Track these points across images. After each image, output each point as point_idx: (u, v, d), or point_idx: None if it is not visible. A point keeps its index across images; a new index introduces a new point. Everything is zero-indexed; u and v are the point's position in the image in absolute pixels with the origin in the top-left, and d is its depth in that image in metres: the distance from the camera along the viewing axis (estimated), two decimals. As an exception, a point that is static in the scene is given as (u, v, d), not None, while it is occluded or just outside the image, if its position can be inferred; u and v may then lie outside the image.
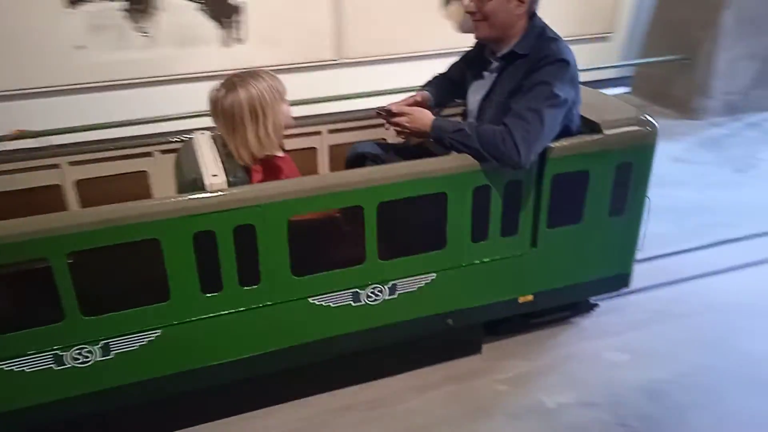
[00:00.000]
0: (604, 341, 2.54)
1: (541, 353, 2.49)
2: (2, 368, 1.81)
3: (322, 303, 2.09)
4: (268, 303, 2.02)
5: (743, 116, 4.96)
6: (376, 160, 2.35)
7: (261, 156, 2.03)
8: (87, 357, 1.89)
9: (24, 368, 1.83)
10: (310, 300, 2.07)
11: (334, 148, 2.62)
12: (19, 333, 1.80)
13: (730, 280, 2.93)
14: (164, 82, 3.90)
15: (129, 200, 1.82)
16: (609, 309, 2.71)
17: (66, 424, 2.02)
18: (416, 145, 2.45)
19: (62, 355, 1.86)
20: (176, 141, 2.36)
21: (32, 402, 1.90)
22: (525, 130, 2.03)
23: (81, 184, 2.32)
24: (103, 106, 3.91)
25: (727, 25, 4.66)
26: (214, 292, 1.94)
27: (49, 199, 2.24)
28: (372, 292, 2.14)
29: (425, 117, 2.17)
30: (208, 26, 3.77)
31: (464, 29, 3.84)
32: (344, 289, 2.09)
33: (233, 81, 1.99)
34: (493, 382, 2.35)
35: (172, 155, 2.36)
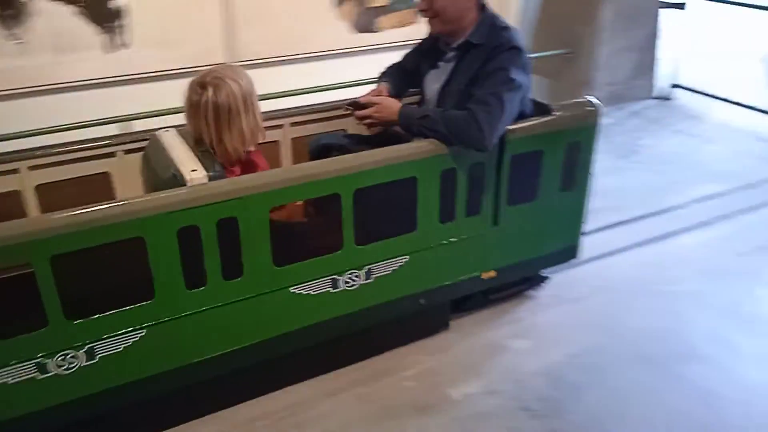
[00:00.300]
0: (505, 329, 2.63)
1: (445, 347, 2.53)
2: None
3: (303, 292, 2.13)
4: (252, 295, 2.04)
5: (625, 105, 5.24)
6: (342, 150, 2.40)
7: (252, 148, 2.05)
8: (72, 363, 1.85)
9: (7, 380, 1.78)
10: (291, 290, 2.11)
11: (296, 141, 2.65)
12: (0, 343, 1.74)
13: (618, 261, 3.09)
14: (43, 92, 3.61)
15: (92, 203, 1.77)
16: (506, 298, 2.79)
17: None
18: (378, 134, 2.52)
19: (46, 363, 1.81)
20: (138, 140, 2.33)
21: (14, 414, 1.84)
22: (488, 114, 2.15)
23: (40, 189, 2.24)
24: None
25: (607, 20, 4.88)
26: (198, 288, 1.95)
27: (6, 206, 2.16)
28: (350, 278, 2.20)
29: (393, 106, 2.26)
30: (88, 31, 3.40)
31: (359, 28, 3.93)
32: (324, 276, 2.15)
33: (215, 78, 1.99)
34: (400, 379, 2.38)
35: (136, 155, 2.33)
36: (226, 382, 2.18)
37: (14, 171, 2.17)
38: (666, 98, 5.41)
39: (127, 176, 2.33)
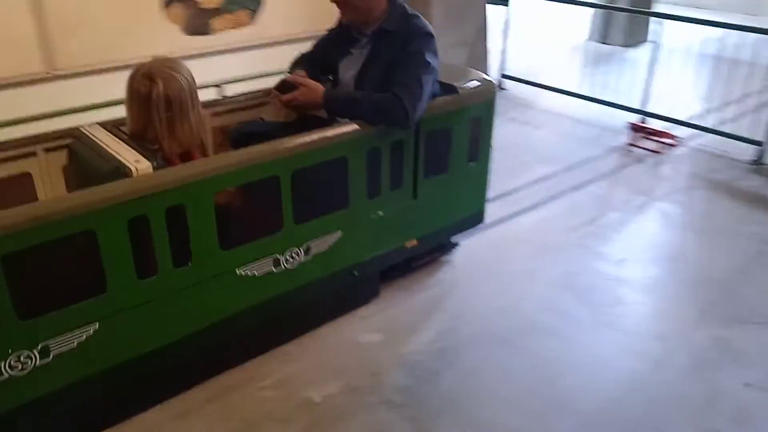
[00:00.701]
0: (358, 326, 2.67)
1: (299, 352, 2.51)
2: None
3: (248, 273, 2.22)
4: (201, 280, 2.10)
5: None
6: (265, 137, 2.49)
7: (198, 140, 2.08)
8: (26, 363, 1.82)
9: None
10: (238, 271, 2.19)
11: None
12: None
13: (463, 246, 3.16)
14: None
15: (15, 205, 1.75)
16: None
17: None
18: (296, 119, 2.63)
19: None
20: (59, 138, 2.29)
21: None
22: (411, 95, 2.34)
23: None
24: None
25: (438, 17, 4.99)
26: (149, 277, 1.98)
27: None
28: (290, 256, 2.31)
29: (318, 89, 2.38)
30: None
31: (191, 31, 3.74)
32: (267, 256, 2.24)
33: (164, 70, 2.01)
34: (256, 390, 2.33)
35: (57, 153, 2.28)
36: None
37: None
38: (498, 88, 5.83)
39: (50, 176, 2.28)
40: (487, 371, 2.43)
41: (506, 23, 5.69)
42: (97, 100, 2.86)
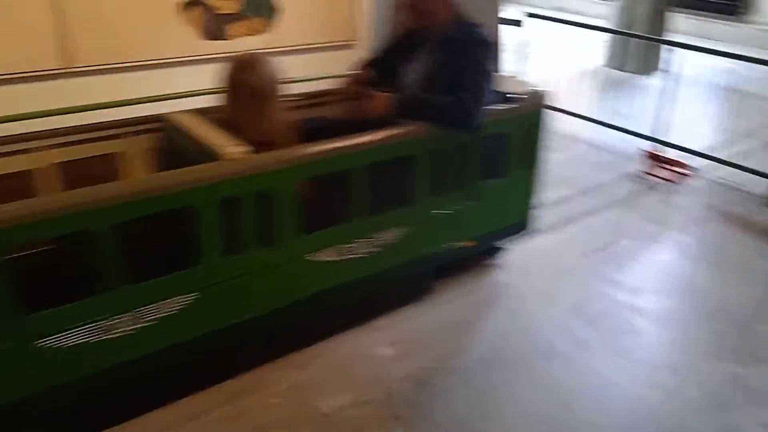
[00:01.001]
0: (373, 336, 2.70)
1: (310, 361, 2.54)
2: (43, 345, 1.78)
3: (322, 258, 2.33)
4: (283, 262, 2.21)
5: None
6: (332, 131, 2.53)
7: (280, 131, 2.21)
8: (136, 323, 1.92)
9: (66, 343, 1.81)
10: (312, 258, 2.29)
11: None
12: (67, 307, 1.79)
13: (476, 266, 3.20)
14: None
15: (101, 183, 1.86)
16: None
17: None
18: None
19: (109, 324, 1.88)
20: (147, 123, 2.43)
21: (81, 375, 1.91)
22: (473, 100, 2.48)
23: (53, 169, 2.25)
24: None
25: None
26: (235, 254, 2.08)
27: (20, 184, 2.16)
28: (360, 246, 2.43)
29: (386, 96, 2.50)
30: None
31: (208, 35, 3.73)
32: (343, 243, 2.37)
33: (255, 62, 2.14)
34: (266, 396, 2.36)
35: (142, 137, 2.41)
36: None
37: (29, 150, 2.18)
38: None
39: (134, 158, 2.41)
40: (499, 392, 2.46)
41: (522, 45, 5.74)
42: (112, 97, 2.98)
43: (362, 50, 3.79)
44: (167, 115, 2.37)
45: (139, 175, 2.32)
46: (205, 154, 2.03)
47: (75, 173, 2.21)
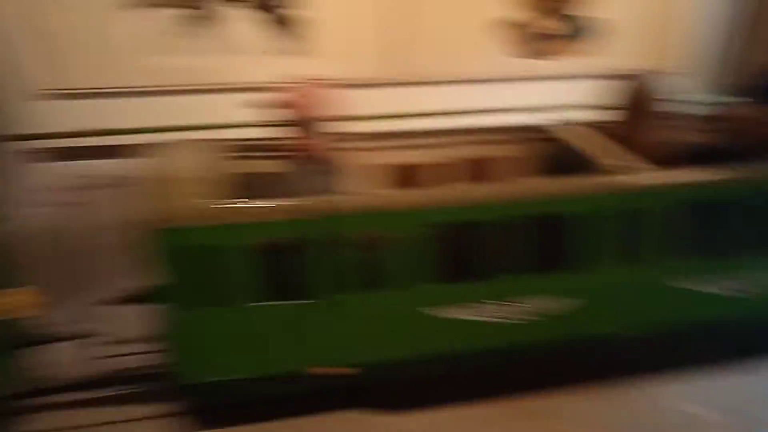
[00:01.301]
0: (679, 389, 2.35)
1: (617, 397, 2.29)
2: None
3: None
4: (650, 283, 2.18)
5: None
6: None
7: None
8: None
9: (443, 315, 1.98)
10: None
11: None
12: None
13: None
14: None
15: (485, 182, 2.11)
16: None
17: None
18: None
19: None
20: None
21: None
22: None
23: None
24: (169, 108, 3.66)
25: None
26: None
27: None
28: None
29: None
30: (266, 37, 3.42)
31: (527, 54, 3.71)
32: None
33: (650, 78, 2.27)
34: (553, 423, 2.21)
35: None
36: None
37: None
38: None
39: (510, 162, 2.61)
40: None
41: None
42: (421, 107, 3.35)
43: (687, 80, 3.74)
44: (552, 125, 2.57)
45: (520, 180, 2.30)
46: (599, 167, 2.14)
47: (476, 169, 2.47)
